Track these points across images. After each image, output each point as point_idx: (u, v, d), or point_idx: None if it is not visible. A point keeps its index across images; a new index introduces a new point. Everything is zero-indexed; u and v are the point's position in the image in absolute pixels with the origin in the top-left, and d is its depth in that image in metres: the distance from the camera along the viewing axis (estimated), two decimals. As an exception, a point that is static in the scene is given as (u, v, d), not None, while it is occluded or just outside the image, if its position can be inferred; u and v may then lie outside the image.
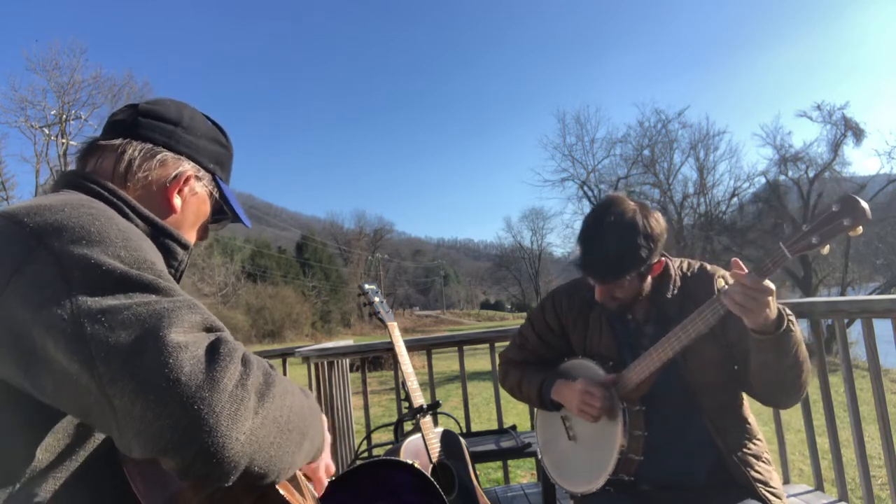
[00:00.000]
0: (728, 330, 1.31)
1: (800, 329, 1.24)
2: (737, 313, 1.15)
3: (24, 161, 24.31)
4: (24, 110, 23.06)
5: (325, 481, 0.82)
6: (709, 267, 1.45)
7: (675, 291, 1.40)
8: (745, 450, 1.34)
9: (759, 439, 1.39)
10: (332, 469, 0.84)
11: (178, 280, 0.81)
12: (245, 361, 0.58)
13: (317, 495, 0.83)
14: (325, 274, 49.19)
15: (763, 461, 1.35)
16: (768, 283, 1.13)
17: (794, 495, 2.25)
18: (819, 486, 2.32)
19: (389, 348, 1.99)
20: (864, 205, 1.03)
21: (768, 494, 1.29)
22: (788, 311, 1.21)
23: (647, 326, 1.43)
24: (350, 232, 59.78)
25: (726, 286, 1.20)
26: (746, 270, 1.15)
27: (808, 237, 1.08)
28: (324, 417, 0.84)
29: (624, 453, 1.31)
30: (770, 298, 1.13)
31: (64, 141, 23.22)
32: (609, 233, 1.31)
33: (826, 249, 1.08)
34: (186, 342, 0.54)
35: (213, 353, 0.55)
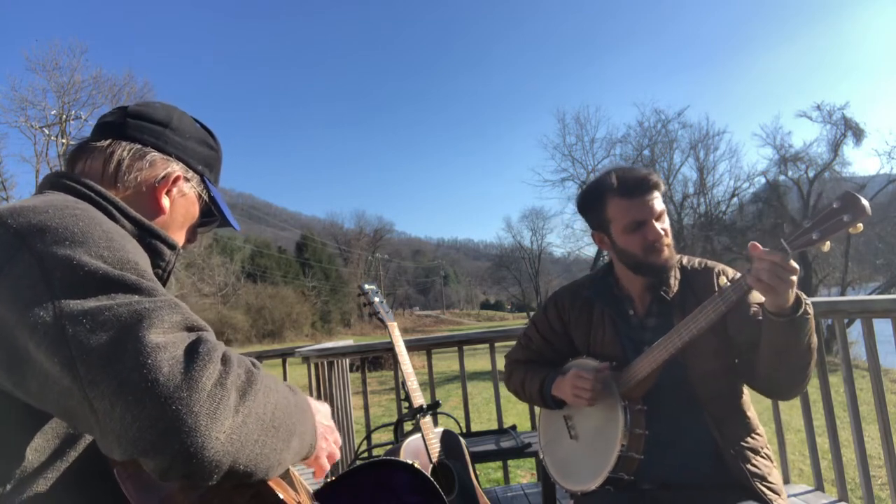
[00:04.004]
0: (728, 324, 1.31)
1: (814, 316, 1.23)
2: (760, 292, 1.14)
3: (24, 161, 24.23)
4: (24, 110, 23.04)
5: (328, 466, 0.81)
6: (709, 262, 1.46)
7: (676, 284, 1.42)
8: (742, 443, 1.34)
9: (758, 433, 1.38)
10: (338, 455, 0.83)
11: (165, 280, 0.81)
12: (225, 360, 0.58)
13: (316, 478, 0.83)
14: (325, 274, 49.20)
15: (762, 456, 1.34)
16: (794, 262, 1.11)
17: (794, 495, 2.25)
18: (819, 486, 2.32)
19: (389, 348, 1.98)
20: (865, 202, 1.04)
21: (765, 490, 1.28)
22: (805, 297, 1.19)
23: (649, 320, 1.44)
24: (350, 232, 59.84)
25: (729, 282, 1.19)
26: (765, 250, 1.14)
27: (808, 233, 1.09)
28: (327, 406, 0.83)
29: (625, 451, 1.31)
30: (794, 278, 1.11)
31: (64, 141, 23.21)
32: (631, 167, 1.45)
33: (826, 246, 1.08)
34: (165, 343, 0.54)
35: (192, 353, 0.55)
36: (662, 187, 1.40)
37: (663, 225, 1.38)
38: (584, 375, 1.37)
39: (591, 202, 1.46)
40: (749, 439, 1.35)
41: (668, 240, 1.39)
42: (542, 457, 1.61)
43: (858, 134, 20.67)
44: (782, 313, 1.17)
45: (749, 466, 1.30)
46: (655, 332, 1.39)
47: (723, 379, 1.36)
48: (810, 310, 1.19)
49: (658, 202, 1.38)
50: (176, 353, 0.54)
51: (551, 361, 1.60)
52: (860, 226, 1.05)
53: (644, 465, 1.33)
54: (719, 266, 1.44)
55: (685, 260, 1.48)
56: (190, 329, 0.59)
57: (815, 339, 1.22)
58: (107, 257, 0.59)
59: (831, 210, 1.06)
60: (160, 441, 0.51)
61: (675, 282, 1.42)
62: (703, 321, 1.22)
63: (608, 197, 1.41)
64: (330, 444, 0.81)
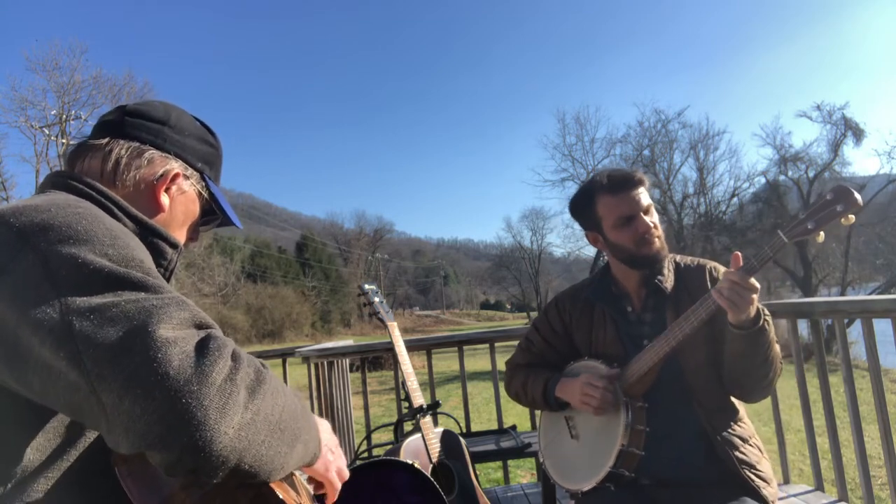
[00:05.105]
0: (715, 319, 1.35)
1: (774, 330, 1.32)
2: (724, 307, 1.23)
3: (24, 161, 24.14)
4: (24, 110, 22.96)
5: (339, 486, 0.80)
6: (702, 260, 1.53)
7: (671, 277, 1.47)
8: (729, 430, 1.38)
9: (744, 423, 1.43)
10: (346, 475, 0.82)
11: (167, 279, 0.80)
12: (235, 357, 0.58)
13: (328, 503, 0.82)
14: (325, 274, 49.17)
15: (750, 445, 1.38)
16: (754, 281, 1.21)
17: (794, 495, 2.25)
18: (819, 486, 2.31)
19: (389, 348, 1.98)
20: (857, 195, 1.11)
21: (753, 476, 1.31)
22: (766, 312, 1.29)
23: (646, 314, 1.49)
24: (350, 232, 59.79)
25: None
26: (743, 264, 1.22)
27: (804, 223, 1.16)
28: (326, 422, 0.83)
29: (626, 447, 1.33)
30: (754, 296, 1.21)
31: (64, 141, 23.17)
32: (617, 167, 1.48)
33: (821, 237, 1.16)
34: (175, 338, 0.54)
35: (203, 348, 0.55)
36: (647, 182, 1.47)
37: (652, 218, 1.44)
38: (595, 384, 1.39)
39: (582, 204, 1.52)
40: (736, 427, 1.39)
41: (659, 232, 1.44)
42: (542, 460, 1.62)
43: (858, 134, 20.68)
44: (742, 326, 1.26)
45: (737, 454, 1.34)
46: (652, 326, 1.44)
47: (713, 369, 1.40)
48: (769, 325, 1.28)
49: (644, 197, 1.44)
50: (186, 347, 0.54)
51: (553, 364, 1.62)
52: (852, 217, 1.11)
53: (644, 462, 1.35)
54: (711, 263, 1.50)
55: (678, 258, 1.54)
56: (199, 326, 0.59)
57: (774, 350, 1.32)
58: (111, 255, 0.59)
59: (825, 201, 1.14)
60: (169, 434, 0.51)
61: (669, 274, 1.47)
62: (687, 328, 1.30)
63: (597, 196, 1.47)
64: (338, 459, 0.81)
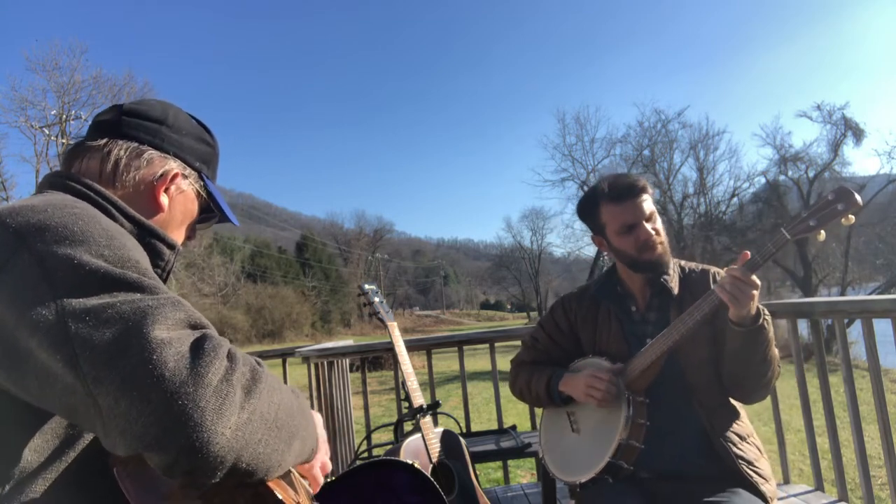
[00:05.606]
0: (717, 318, 1.38)
1: (773, 332, 1.35)
2: (725, 301, 1.26)
3: (24, 161, 24.09)
4: (24, 110, 22.89)
5: (321, 480, 0.81)
6: (705, 265, 1.57)
7: (676, 279, 1.50)
8: (728, 428, 1.40)
9: (743, 422, 1.45)
10: (329, 467, 0.83)
11: (165, 280, 0.80)
12: (231, 357, 0.58)
13: (312, 493, 0.83)
14: (325, 274, 49.16)
15: (748, 442, 1.40)
16: (755, 277, 1.25)
17: (794, 495, 2.25)
18: (819, 486, 2.31)
19: (389, 348, 1.98)
20: (857, 196, 1.16)
21: (752, 473, 1.33)
22: (766, 312, 1.32)
23: (650, 314, 1.52)
24: (350, 232, 59.78)
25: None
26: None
27: (806, 221, 1.20)
28: (319, 416, 0.83)
29: (625, 440, 1.34)
30: (755, 293, 1.24)
31: (64, 141, 23.12)
32: (620, 174, 1.55)
33: (822, 236, 1.20)
34: (170, 338, 0.54)
35: (198, 349, 0.55)
36: (650, 189, 1.49)
37: (654, 225, 1.47)
38: (600, 376, 1.42)
39: (587, 210, 1.57)
40: (735, 426, 1.41)
41: (661, 238, 1.47)
42: (541, 455, 1.63)
43: (858, 134, 20.67)
44: (742, 323, 1.29)
45: (735, 450, 1.36)
46: (656, 325, 1.47)
47: (713, 368, 1.42)
48: (768, 325, 1.31)
49: (647, 204, 1.47)
50: (181, 348, 0.54)
51: (557, 361, 1.64)
52: (852, 217, 1.15)
53: (642, 455, 1.37)
54: (714, 268, 1.54)
55: (682, 263, 1.57)
56: (194, 327, 0.59)
57: (772, 351, 1.34)
58: (108, 256, 0.59)
59: (826, 201, 1.18)
60: (165, 436, 0.51)
61: (674, 275, 1.51)
62: (690, 322, 1.33)
63: (601, 204, 1.51)
64: (322, 455, 0.81)
